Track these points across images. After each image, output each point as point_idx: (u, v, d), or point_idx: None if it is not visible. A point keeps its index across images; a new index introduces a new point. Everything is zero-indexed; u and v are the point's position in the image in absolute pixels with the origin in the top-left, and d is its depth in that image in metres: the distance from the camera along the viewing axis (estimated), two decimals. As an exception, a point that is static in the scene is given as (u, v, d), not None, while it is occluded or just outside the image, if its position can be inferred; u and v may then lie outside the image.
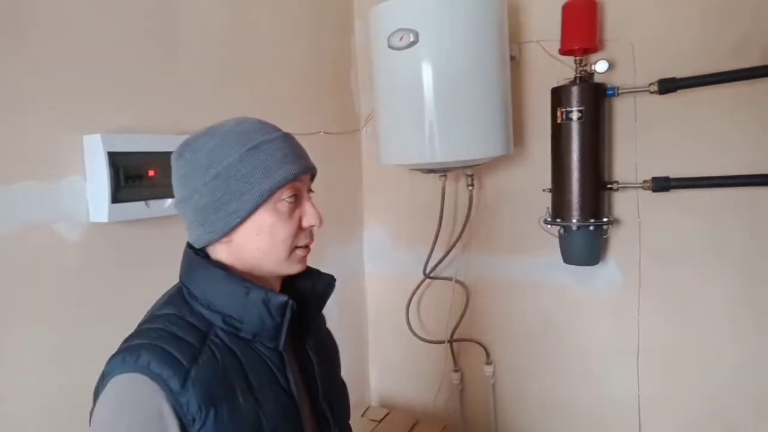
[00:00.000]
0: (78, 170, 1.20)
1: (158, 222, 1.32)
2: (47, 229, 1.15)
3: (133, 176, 1.22)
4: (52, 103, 1.15)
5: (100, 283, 1.24)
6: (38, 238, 1.13)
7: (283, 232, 0.79)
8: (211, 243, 0.80)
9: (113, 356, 0.73)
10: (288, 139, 0.82)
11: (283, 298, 0.77)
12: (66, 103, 1.18)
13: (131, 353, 0.71)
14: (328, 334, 1.03)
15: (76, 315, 1.20)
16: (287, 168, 0.78)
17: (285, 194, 0.79)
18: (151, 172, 1.26)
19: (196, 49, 1.48)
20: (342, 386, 1.00)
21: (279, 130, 0.82)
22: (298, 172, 0.79)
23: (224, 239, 0.79)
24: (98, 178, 1.18)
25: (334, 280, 0.93)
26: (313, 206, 0.83)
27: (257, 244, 0.79)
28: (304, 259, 0.85)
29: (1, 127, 1.07)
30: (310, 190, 0.85)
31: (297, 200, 0.81)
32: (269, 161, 0.77)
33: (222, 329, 0.77)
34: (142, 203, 1.25)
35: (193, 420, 0.69)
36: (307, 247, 0.84)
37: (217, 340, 0.75)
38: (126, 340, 0.75)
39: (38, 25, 1.13)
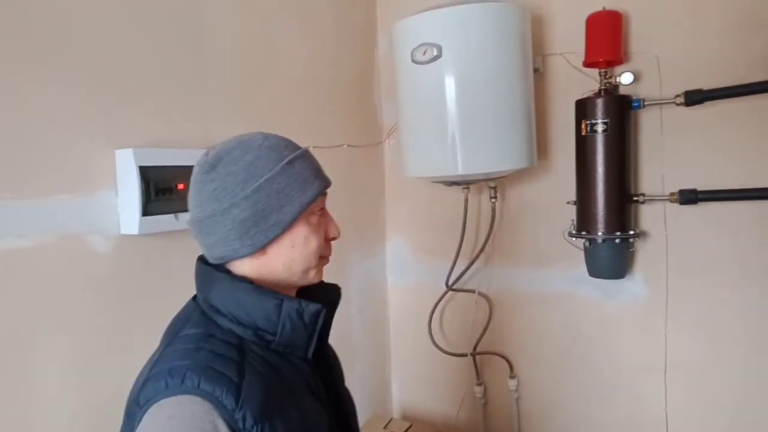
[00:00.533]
0: (110, 184, 1.23)
1: (186, 234, 1.33)
2: (80, 240, 1.18)
3: (163, 189, 1.25)
4: (86, 118, 1.19)
5: (130, 293, 1.27)
6: (71, 249, 1.16)
7: (315, 243, 0.83)
8: (243, 257, 0.80)
9: (147, 383, 0.71)
10: (311, 154, 0.86)
11: (317, 305, 0.79)
12: (99, 118, 1.21)
13: (174, 376, 0.69)
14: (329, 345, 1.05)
15: (107, 324, 1.23)
16: (319, 182, 0.83)
17: (316, 207, 0.84)
18: (180, 186, 1.28)
19: (223, 64, 1.52)
20: (348, 392, 1.02)
21: (299, 145, 0.86)
22: (326, 186, 0.85)
23: (258, 252, 0.80)
24: (129, 192, 1.21)
25: (340, 288, 0.96)
26: (333, 219, 0.89)
27: (291, 255, 0.82)
28: (322, 270, 0.89)
29: (37, 142, 1.11)
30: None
31: (323, 213, 0.86)
32: (305, 175, 0.81)
33: (254, 342, 0.77)
34: (171, 216, 1.27)
35: None
36: (328, 257, 0.89)
37: (254, 354, 0.76)
38: (155, 366, 0.74)
39: (71, 44, 1.16)
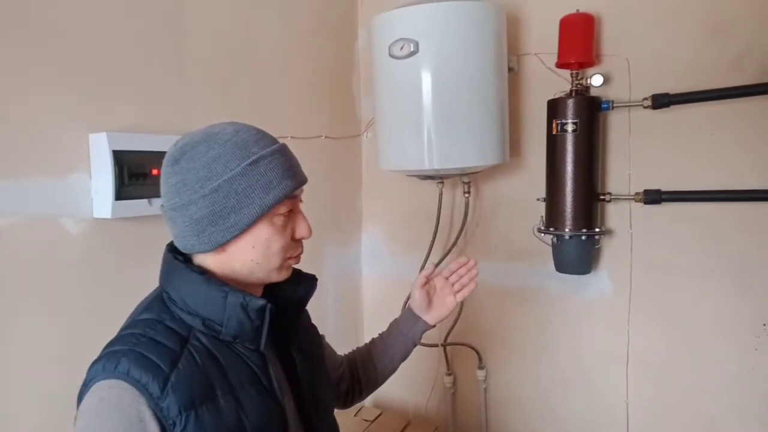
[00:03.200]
0: (84, 167, 1.24)
1: (160, 219, 1.34)
2: (52, 223, 1.20)
3: (137, 174, 1.26)
4: (61, 102, 1.20)
5: (102, 277, 1.29)
6: (43, 232, 1.18)
7: (278, 244, 0.82)
8: (201, 252, 0.81)
9: (94, 363, 0.74)
10: (285, 152, 0.82)
11: (261, 302, 0.78)
12: (74, 102, 1.22)
13: (111, 360, 0.72)
14: (311, 330, 1.05)
15: (78, 308, 1.24)
16: (286, 183, 0.79)
17: (282, 209, 0.81)
18: (154, 171, 1.29)
19: (201, 51, 1.53)
20: (326, 382, 1.01)
21: (276, 141, 0.83)
22: (296, 187, 0.81)
23: (218, 249, 0.80)
24: (103, 176, 1.23)
25: (316, 280, 0.94)
26: (305, 218, 0.85)
27: (251, 255, 0.81)
28: (291, 267, 0.88)
29: (11, 125, 1.12)
30: (300, 200, 0.87)
31: (291, 213, 0.84)
32: (269, 176, 0.78)
33: (202, 332, 0.78)
34: (144, 201, 1.29)
35: (174, 424, 0.70)
36: (297, 256, 0.87)
37: (197, 344, 0.77)
38: (107, 347, 0.76)
39: (47, 27, 1.17)
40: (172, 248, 0.85)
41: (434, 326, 1.18)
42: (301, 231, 0.84)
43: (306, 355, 0.94)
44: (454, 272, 1.18)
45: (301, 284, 0.93)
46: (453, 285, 1.17)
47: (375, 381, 1.21)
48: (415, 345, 1.20)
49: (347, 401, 1.19)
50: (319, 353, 1.03)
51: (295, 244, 0.85)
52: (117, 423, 0.68)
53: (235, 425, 0.74)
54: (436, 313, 1.16)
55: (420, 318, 1.17)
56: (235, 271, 0.82)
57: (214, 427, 0.72)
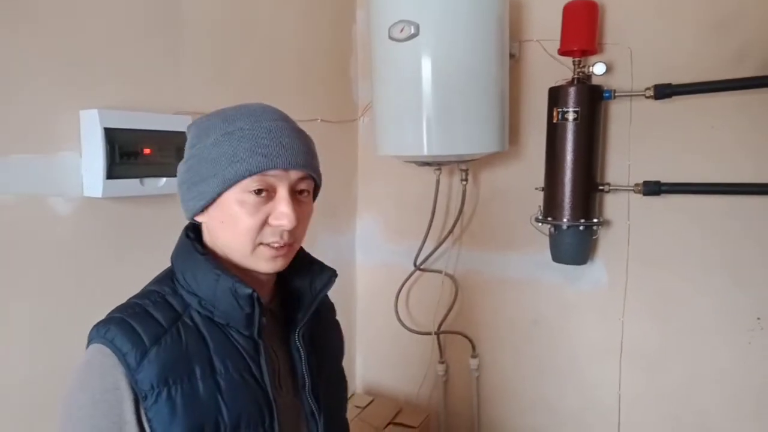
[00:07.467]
0: (74, 145, 1.21)
1: (152, 200, 1.33)
2: (41, 201, 1.17)
3: (129, 153, 1.23)
4: (51, 77, 1.16)
5: (91, 257, 1.26)
6: (32, 211, 1.15)
7: (244, 224, 0.75)
8: (190, 219, 0.83)
9: (95, 324, 0.75)
10: (277, 130, 0.76)
11: (248, 289, 0.75)
12: (64, 77, 1.19)
13: (105, 325, 0.73)
14: (331, 327, 1.01)
15: (67, 288, 1.22)
16: (255, 159, 0.74)
17: (251, 185, 0.74)
18: (146, 150, 1.26)
19: (196, 30, 1.49)
20: (335, 379, 0.97)
21: (279, 119, 0.78)
22: (266, 166, 0.74)
23: (200, 218, 0.81)
24: (94, 154, 1.19)
25: (335, 275, 0.89)
26: (289, 206, 0.76)
27: (223, 232, 0.78)
28: (274, 258, 0.79)
29: (-1, 99, 1.08)
30: (301, 191, 0.80)
31: (267, 195, 0.76)
32: (238, 149, 0.74)
33: (198, 312, 0.78)
34: (136, 180, 1.26)
35: (146, 397, 0.70)
36: (278, 247, 0.78)
37: (189, 322, 0.77)
38: (111, 312, 0.77)
39: (39, 1, 1.13)
40: (188, 225, 0.85)
41: None
42: (275, 216, 0.76)
43: (317, 351, 0.90)
44: None
45: (318, 278, 0.88)
46: None
47: None
48: None
49: None
50: (331, 353, 0.99)
51: (269, 229, 0.76)
52: (95, 387, 0.70)
53: (211, 408, 0.73)
54: None
55: None
56: (218, 248, 0.81)
57: (185, 407, 0.72)
